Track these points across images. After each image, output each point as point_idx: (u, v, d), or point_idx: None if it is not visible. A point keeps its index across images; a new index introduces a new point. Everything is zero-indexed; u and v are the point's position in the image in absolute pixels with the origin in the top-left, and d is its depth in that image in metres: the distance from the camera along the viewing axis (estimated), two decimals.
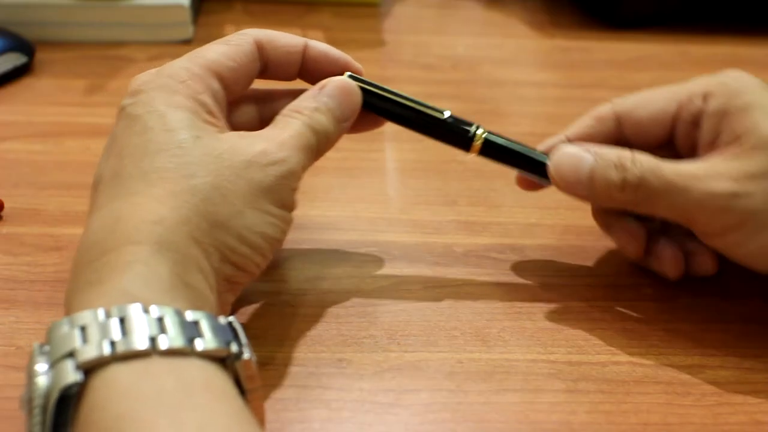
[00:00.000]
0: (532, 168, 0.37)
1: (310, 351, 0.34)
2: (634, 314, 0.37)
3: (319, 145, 0.34)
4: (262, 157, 0.31)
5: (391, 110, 0.36)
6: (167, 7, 0.59)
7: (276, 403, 0.32)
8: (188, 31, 0.60)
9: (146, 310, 0.25)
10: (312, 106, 0.34)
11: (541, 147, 0.38)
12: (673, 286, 0.38)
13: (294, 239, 0.40)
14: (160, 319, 0.25)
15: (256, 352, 0.28)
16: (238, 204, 0.30)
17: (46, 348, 0.25)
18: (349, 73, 0.36)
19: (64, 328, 0.25)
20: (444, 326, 0.36)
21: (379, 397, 0.32)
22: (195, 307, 0.27)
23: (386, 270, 0.39)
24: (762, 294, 0.38)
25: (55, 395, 0.24)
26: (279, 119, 0.34)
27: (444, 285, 0.38)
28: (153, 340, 0.25)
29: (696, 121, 0.36)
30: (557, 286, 0.38)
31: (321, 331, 0.35)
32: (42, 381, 0.24)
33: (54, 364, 0.24)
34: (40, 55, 0.56)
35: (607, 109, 0.38)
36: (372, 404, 0.32)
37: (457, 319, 0.36)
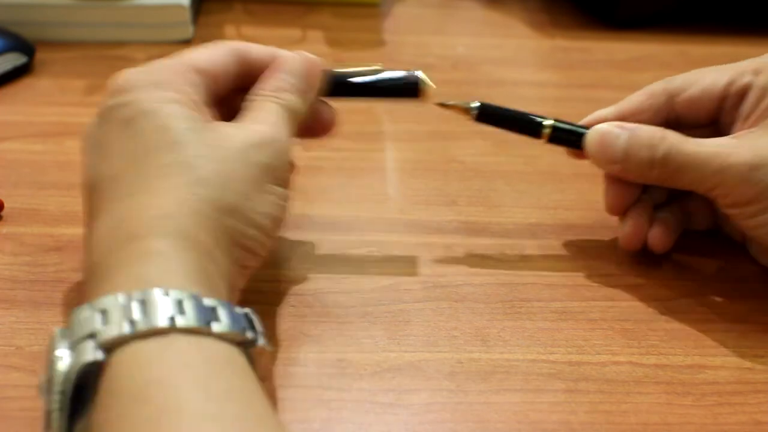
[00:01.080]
0: None
1: (310, 351, 0.34)
2: (634, 314, 0.37)
3: (293, 121, 0.35)
4: (256, 138, 0.32)
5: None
6: (167, 7, 0.59)
7: (276, 403, 0.32)
8: (188, 31, 0.60)
9: (166, 294, 0.26)
10: (273, 85, 0.35)
11: (587, 119, 0.39)
12: (673, 286, 0.39)
13: (294, 239, 0.40)
14: (180, 302, 0.26)
15: None
16: (242, 188, 0.31)
17: (67, 332, 0.25)
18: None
19: (85, 313, 0.25)
20: (444, 326, 0.36)
21: (379, 397, 0.32)
22: (209, 294, 0.27)
23: (386, 270, 0.39)
24: (762, 294, 0.38)
25: (74, 374, 0.24)
26: (249, 104, 0.34)
27: (444, 285, 0.38)
28: (172, 319, 0.25)
29: (743, 93, 0.37)
30: (557, 286, 0.38)
31: (321, 331, 0.35)
32: (62, 365, 0.24)
33: (74, 345, 0.25)
34: (40, 55, 0.56)
35: (659, 85, 0.39)
36: (372, 404, 0.32)
37: (457, 319, 0.36)
